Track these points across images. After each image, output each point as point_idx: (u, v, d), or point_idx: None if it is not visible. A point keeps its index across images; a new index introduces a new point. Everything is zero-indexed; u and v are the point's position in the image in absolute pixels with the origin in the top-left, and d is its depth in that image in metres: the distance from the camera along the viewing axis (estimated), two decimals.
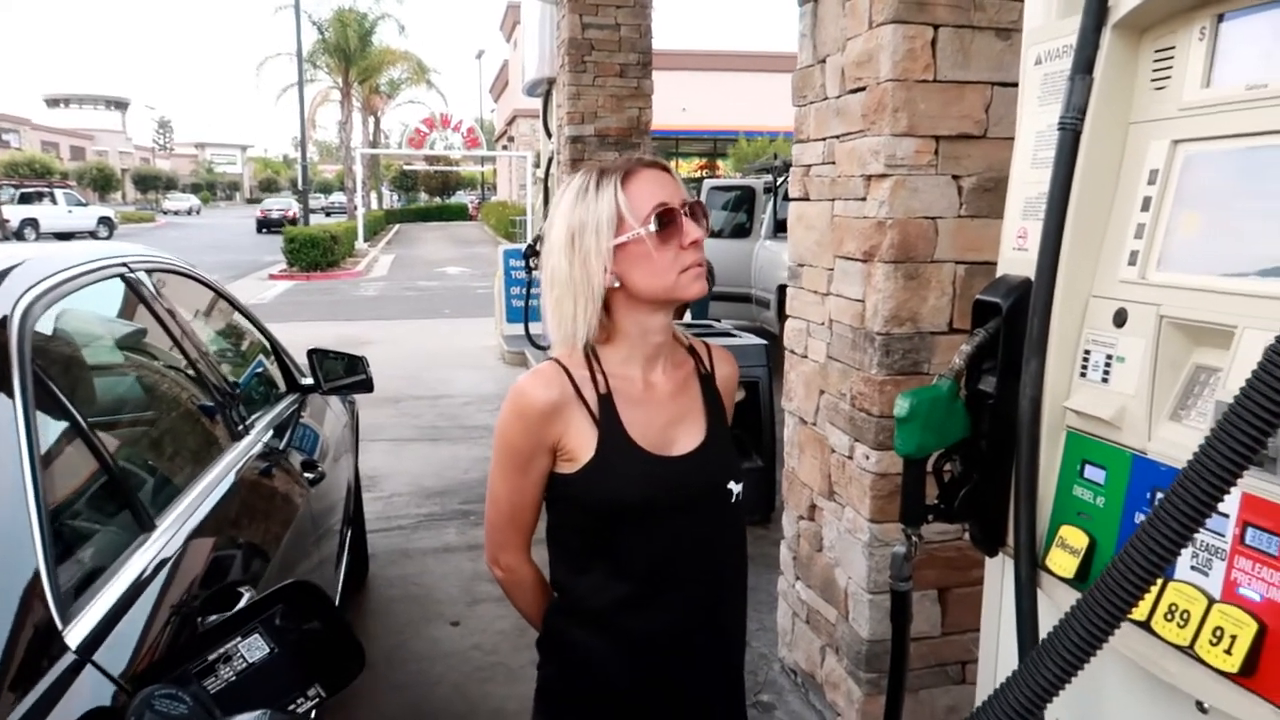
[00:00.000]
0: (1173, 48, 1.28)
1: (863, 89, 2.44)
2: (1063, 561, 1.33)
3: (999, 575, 1.58)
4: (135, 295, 1.98)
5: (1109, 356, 1.31)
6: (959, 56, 2.32)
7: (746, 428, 4.77)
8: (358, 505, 3.93)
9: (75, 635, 1.11)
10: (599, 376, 1.41)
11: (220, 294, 2.86)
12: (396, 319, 13.39)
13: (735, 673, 1.58)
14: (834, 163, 2.63)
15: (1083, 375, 1.36)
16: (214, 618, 1.43)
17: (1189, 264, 1.23)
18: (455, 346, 10.74)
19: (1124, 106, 1.33)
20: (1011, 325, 1.43)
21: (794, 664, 3.10)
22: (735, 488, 1.46)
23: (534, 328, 8.07)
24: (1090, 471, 1.33)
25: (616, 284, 1.37)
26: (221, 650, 1.10)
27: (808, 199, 2.84)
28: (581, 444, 1.38)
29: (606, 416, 1.39)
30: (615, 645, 1.42)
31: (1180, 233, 1.25)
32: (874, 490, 2.48)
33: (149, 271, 2.13)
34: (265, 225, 36.91)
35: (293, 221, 29.17)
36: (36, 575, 1.09)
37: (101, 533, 1.37)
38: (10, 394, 1.23)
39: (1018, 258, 1.50)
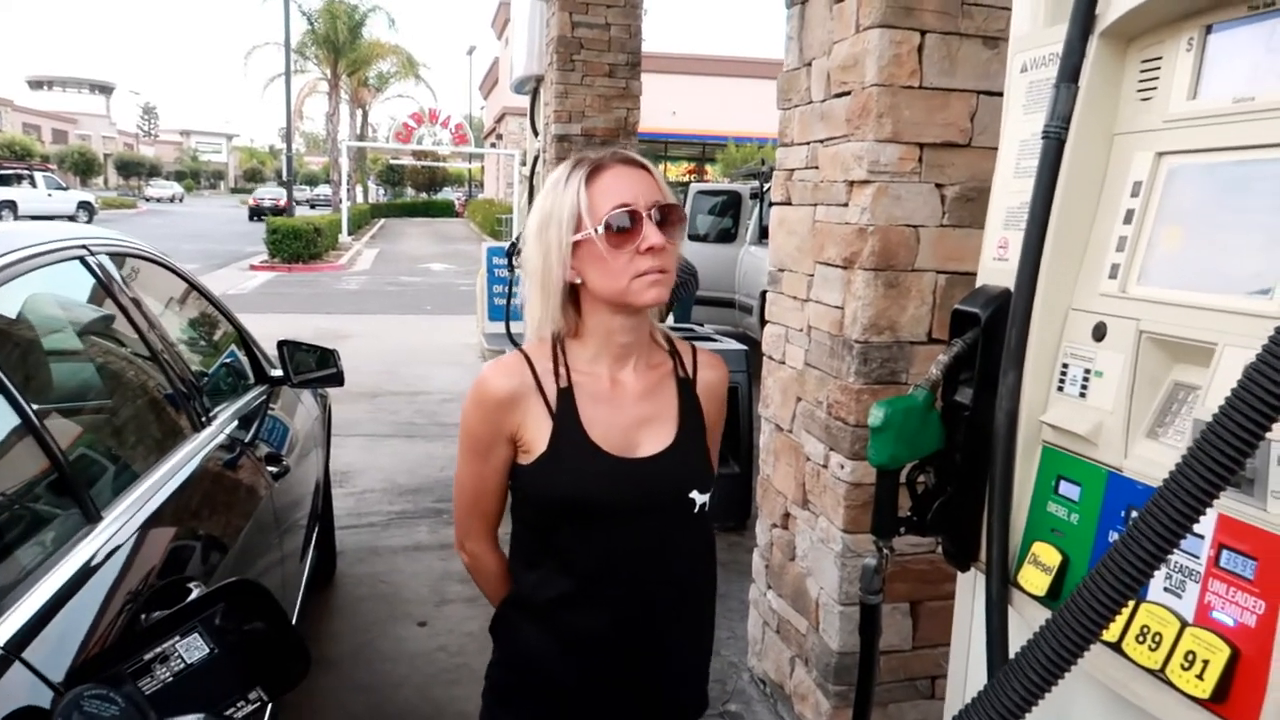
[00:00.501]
0: (1160, 58, 1.26)
1: (848, 93, 2.41)
2: (1034, 579, 1.30)
3: (970, 590, 1.56)
4: (94, 279, 1.92)
5: (1087, 371, 1.29)
6: (945, 63, 2.30)
7: (725, 433, 4.74)
8: (326, 501, 3.87)
9: (4, 631, 1.06)
10: (562, 370, 1.38)
11: (188, 281, 2.80)
12: (377, 314, 13.31)
13: (697, 681, 1.55)
14: (817, 167, 2.60)
15: (1060, 389, 1.34)
16: (157, 614, 1.39)
17: (1171, 279, 1.20)
18: (435, 343, 10.68)
19: (1109, 117, 1.31)
20: (990, 336, 1.41)
21: (763, 674, 3.07)
22: (699, 497, 1.41)
23: (515, 326, 8.00)
24: (1065, 488, 1.31)
25: (578, 280, 1.35)
26: (158, 650, 1.05)
27: (790, 203, 2.81)
28: (537, 436, 1.36)
29: (563, 411, 1.36)
30: (559, 641, 1.40)
31: (1163, 246, 1.23)
32: (848, 500, 2.45)
33: (111, 255, 2.07)
34: (257, 213, 37.74)
35: (280, 211, 29.23)
36: None
37: (41, 524, 1.32)
38: None
39: (998, 268, 1.48)
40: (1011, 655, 1.01)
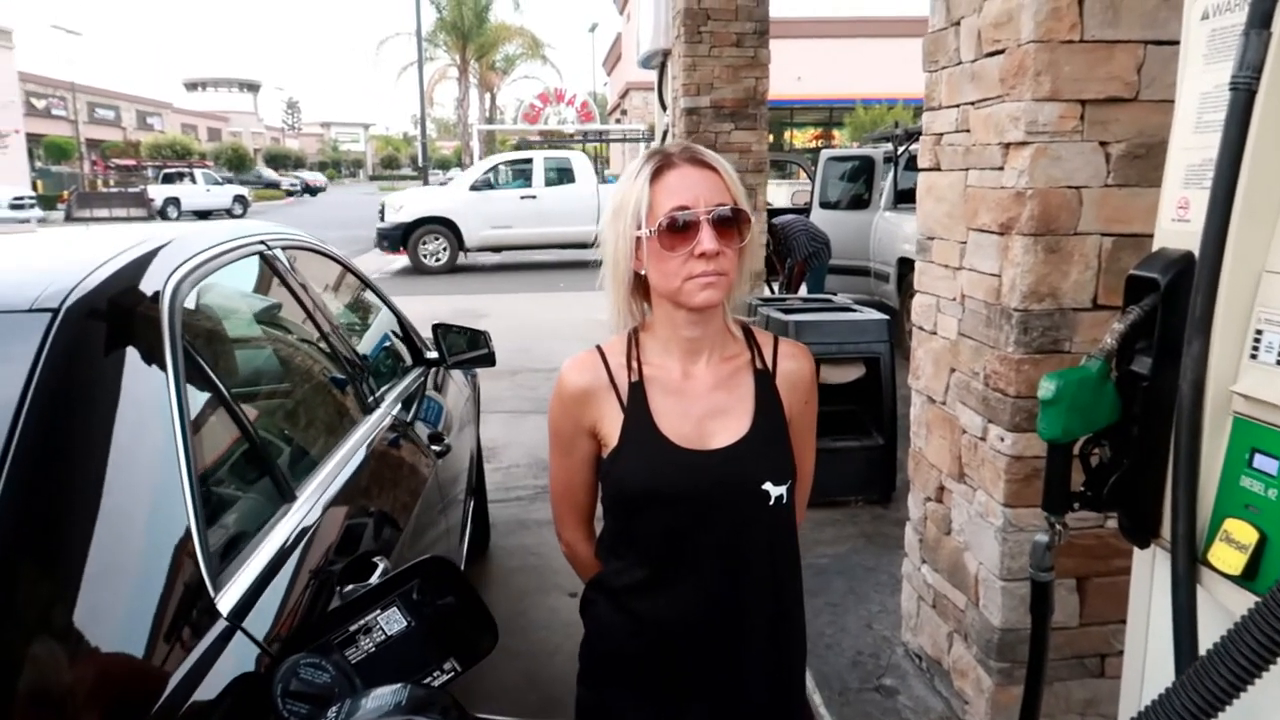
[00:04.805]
0: None
1: (1001, 52, 2.32)
2: (1227, 557, 1.24)
3: (1149, 568, 1.49)
4: (273, 272, 2.05)
5: None
6: (1108, 14, 2.17)
7: (867, 404, 4.68)
8: (480, 475, 4.02)
9: (225, 602, 1.16)
10: (634, 364, 1.42)
11: (350, 270, 2.95)
12: (512, 293, 13.65)
13: (782, 674, 1.52)
14: (968, 130, 2.51)
15: (1253, 357, 1.26)
16: (350, 587, 1.48)
17: None
18: (570, 320, 10.87)
19: None
20: (1170, 303, 1.35)
21: (919, 648, 3.03)
22: (774, 489, 1.40)
23: None
24: (1260, 461, 1.24)
25: (642, 271, 1.37)
26: (362, 622, 1.13)
27: (938, 169, 2.74)
28: (611, 430, 1.40)
29: (634, 404, 1.40)
30: (633, 626, 1.44)
31: None
32: (1009, 474, 2.38)
33: (284, 249, 2.20)
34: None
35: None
36: (190, 545, 1.14)
37: (247, 502, 1.43)
38: (163, 367, 1.28)
39: (1178, 229, 1.41)
40: (1200, 636, 0.97)
